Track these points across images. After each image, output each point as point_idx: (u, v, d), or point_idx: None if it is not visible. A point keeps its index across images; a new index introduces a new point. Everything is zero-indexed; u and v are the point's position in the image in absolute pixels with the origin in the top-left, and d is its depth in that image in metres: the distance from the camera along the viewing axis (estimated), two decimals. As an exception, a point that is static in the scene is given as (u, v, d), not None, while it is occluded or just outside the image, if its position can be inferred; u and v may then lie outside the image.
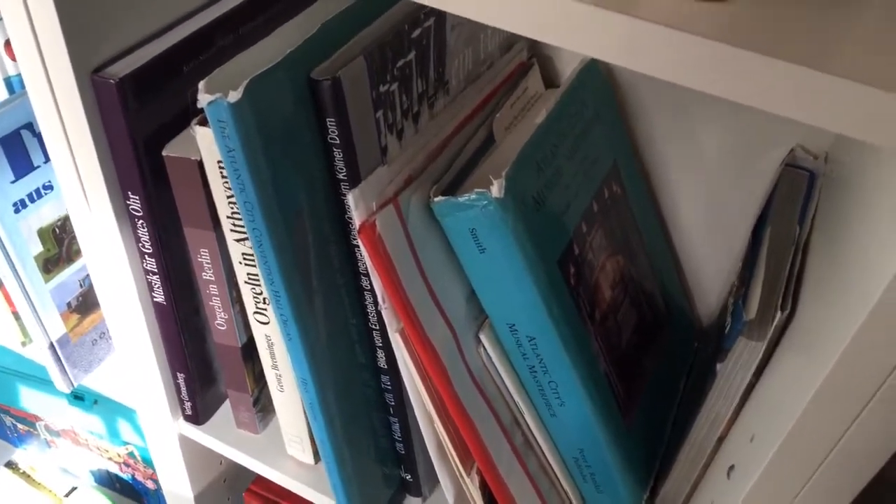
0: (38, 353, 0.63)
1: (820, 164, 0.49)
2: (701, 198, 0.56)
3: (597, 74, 0.53)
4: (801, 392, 0.32)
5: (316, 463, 0.58)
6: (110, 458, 1.01)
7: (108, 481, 1.05)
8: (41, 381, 0.94)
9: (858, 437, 0.30)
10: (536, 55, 0.56)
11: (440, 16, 0.43)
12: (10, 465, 1.12)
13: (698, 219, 0.58)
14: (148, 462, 0.97)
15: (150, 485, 1.01)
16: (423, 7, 0.42)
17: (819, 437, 0.31)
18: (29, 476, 1.12)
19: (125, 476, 1.02)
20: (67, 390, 0.65)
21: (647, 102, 0.54)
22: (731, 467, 0.40)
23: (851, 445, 0.31)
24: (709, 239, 0.58)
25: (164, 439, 0.63)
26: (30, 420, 1.04)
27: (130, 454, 0.98)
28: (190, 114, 0.45)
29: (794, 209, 0.47)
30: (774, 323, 0.39)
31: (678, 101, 0.53)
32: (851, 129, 0.24)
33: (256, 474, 0.75)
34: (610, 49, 0.26)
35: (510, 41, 0.53)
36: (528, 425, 0.49)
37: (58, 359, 0.63)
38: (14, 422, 1.07)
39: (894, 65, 0.24)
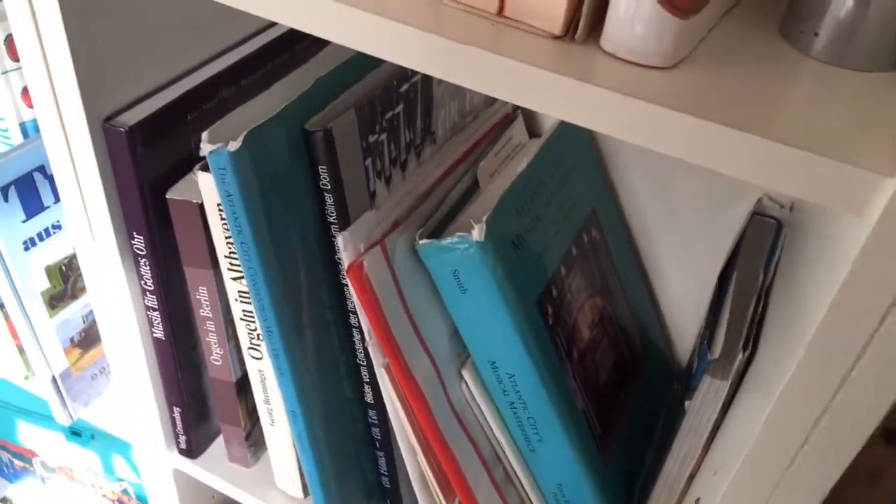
0: (40, 387, 0.65)
1: (786, 212, 0.52)
2: (676, 244, 0.59)
3: (577, 126, 0.56)
4: (753, 427, 0.34)
5: (305, 497, 0.59)
6: (104, 496, 1.02)
7: (102, 519, 1.06)
8: (39, 416, 0.95)
9: (801, 470, 0.32)
10: (521, 107, 0.59)
11: (427, 73, 0.47)
12: (5, 501, 1.13)
13: (674, 264, 0.60)
14: (141, 499, 0.98)
15: (142, 522, 1.02)
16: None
17: (766, 470, 0.33)
18: (23, 512, 1.12)
19: (118, 514, 1.03)
20: (67, 423, 0.67)
21: (625, 153, 0.58)
22: (697, 500, 0.42)
23: (795, 478, 0.33)
24: (685, 284, 0.61)
25: (159, 472, 0.64)
26: (26, 456, 1.06)
27: (124, 491, 0.99)
28: (193, 159, 0.48)
29: (761, 256, 0.50)
30: (736, 363, 0.41)
31: (654, 152, 0.56)
32: (785, 187, 0.27)
33: (248, 510, 0.76)
34: (569, 110, 0.29)
35: (495, 95, 0.57)
36: (508, 460, 0.51)
37: (59, 392, 0.65)
38: (10, 458, 1.08)
39: (824, 129, 0.27)
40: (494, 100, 0.57)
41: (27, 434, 1.00)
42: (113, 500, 1.02)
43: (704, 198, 0.56)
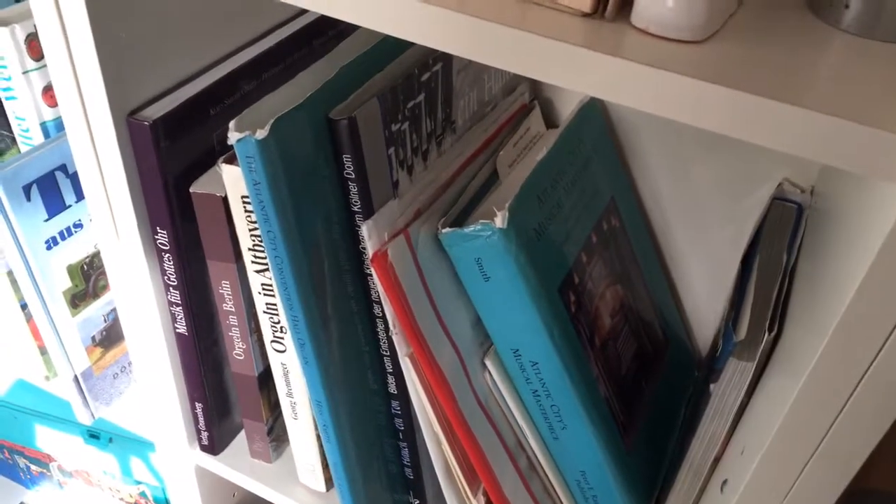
0: (62, 387, 0.66)
1: (806, 197, 0.52)
2: (696, 232, 0.59)
3: (595, 115, 0.56)
4: (781, 406, 0.34)
5: (327, 490, 0.59)
6: (122, 499, 1.02)
7: (120, 523, 1.06)
8: (58, 420, 0.96)
9: (831, 449, 0.32)
10: (538, 98, 0.59)
11: (447, 61, 0.47)
12: (23, 506, 1.13)
13: (694, 253, 0.60)
14: (158, 502, 0.98)
15: (160, 526, 1.02)
16: (431, 53, 0.46)
17: (795, 450, 0.33)
18: (40, 518, 1.13)
19: (136, 517, 1.03)
20: (89, 422, 0.67)
21: (643, 141, 0.58)
22: (725, 482, 0.42)
23: (825, 457, 0.33)
24: (705, 272, 0.61)
25: (181, 469, 0.65)
26: (43, 461, 1.06)
27: (142, 494, 0.99)
28: (216, 153, 0.48)
29: (784, 239, 0.50)
30: (762, 344, 0.41)
31: (672, 139, 0.56)
32: (818, 154, 0.27)
33: (268, 507, 0.76)
34: (601, 87, 0.29)
35: (513, 84, 0.57)
36: (531, 448, 0.51)
37: (81, 391, 0.65)
38: (28, 463, 1.08)
39: (855, 97, 0.27)
40: (512, 89, 0.57)
41: (46, 438, 1.00)
42: (130, 504, 1.02)
43: (723, 185, 0.56)
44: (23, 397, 0.96)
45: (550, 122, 0.61)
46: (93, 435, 0.94)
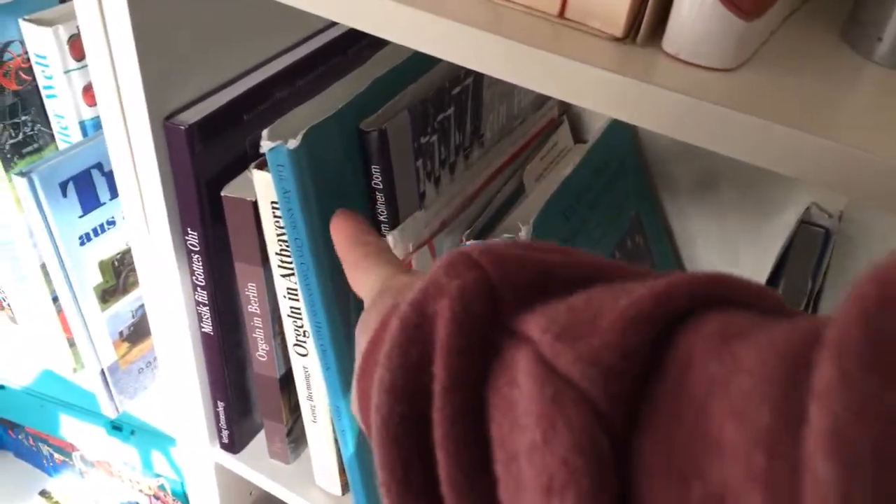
0: (89, 380, 0.67)
1: (834, 222, 0.52)
2: (722, 252, 0.59)
3: (623, 131, 0.56)
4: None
5: (343, 494, 0.60)
6: (141, 491, 1.04)
7: (138, 514, 1.08)
8: (83, 410, 0.97)
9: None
10: (566, 113, 0.60)
11: (478, 75, 0.47)
12: (44, 493, 1.15)
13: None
14: (177, 495, 0.99)
15: (177, 519, 1.03)
16: (463, 66, 0.46)
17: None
18: (61, 505, 1.15)
19: (154, 509, 1.05)
20: (113, 415, 0.68)
21: (671, 159, 0.58)
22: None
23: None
24: (729, 292, 0.60)
25: (200, 466, 0.66)
26: (66, 450, 1.08)
27: (161, 487, 1.01)
28: (248, 158, 0.49)
29: (809, 264, 0.50)
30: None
31: (700, 158, 0.56)
32: (848, 189, 0.27)
33: (284, 507, 0.77)
34: (631, 111, 0.29)
35: (542, 99, 0.57)
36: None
37: (107, 384, 0.66)
38: (51, 451, 1.10)
39: (887, 132, 0.27)
40: (541, 104, 0.57)
41: (69, 428, 1.02)
42: (149, 496, 1.03)
43: (750, 206, 0.56)
44: (49, 386, 0.98)
45: (578, 136, 0.61)
46: (115, 427, 0.95)
